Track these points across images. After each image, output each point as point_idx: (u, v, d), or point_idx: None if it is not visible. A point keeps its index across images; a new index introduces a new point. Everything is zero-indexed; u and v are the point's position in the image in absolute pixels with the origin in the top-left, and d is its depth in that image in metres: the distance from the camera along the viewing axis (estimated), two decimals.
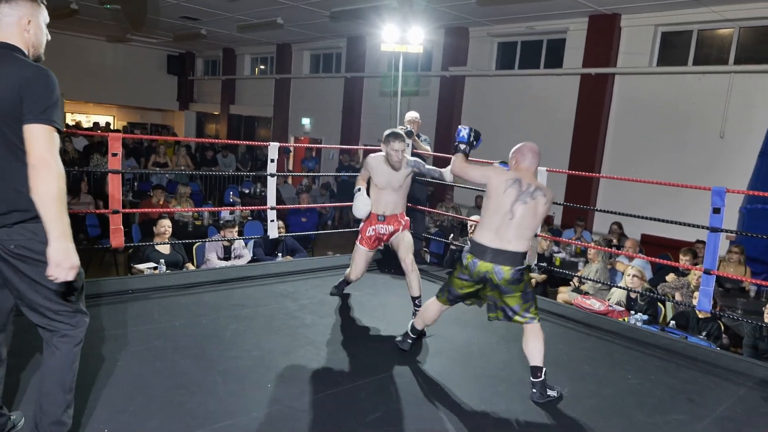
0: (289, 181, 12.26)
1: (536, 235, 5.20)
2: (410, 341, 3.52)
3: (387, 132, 3.94)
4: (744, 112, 7.97)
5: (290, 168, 15.53)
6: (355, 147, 12.57)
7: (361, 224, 4.18)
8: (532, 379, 3.06)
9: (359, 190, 4.04)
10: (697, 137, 8.40)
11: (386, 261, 5.73)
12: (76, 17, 12.77)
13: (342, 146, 7.39)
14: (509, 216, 2.98)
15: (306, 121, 15.53)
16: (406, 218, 4.16)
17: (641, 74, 9.00)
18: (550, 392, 3.07)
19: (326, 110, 14.69)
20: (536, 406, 3.00)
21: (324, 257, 6.07)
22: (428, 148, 6.05)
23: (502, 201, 2.99)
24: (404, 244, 4.08)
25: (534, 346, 3.06)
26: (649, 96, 8.96)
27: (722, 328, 4.95)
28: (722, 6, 8.00)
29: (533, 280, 3.07)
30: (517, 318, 3.05)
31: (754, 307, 5.47)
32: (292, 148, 15.90)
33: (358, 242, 4.18)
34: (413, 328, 3.51)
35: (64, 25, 14.61)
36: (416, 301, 4.06)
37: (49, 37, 2.26)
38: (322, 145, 6.25)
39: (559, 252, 7.62)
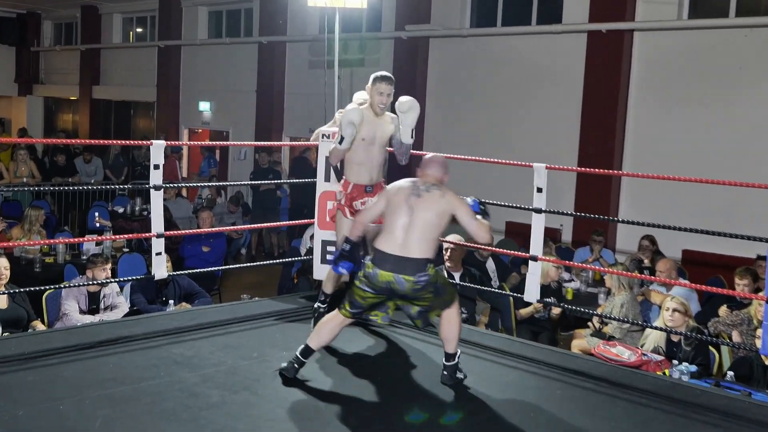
0: (184, 193, 12.08)
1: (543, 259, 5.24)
2: (297, 367, 4.16)
3: (375, 74, 4.72)
4: None
5: (184, 175, 15.33)
6: (277, 143, 12.50)
7: (339, 193, 4.89)
8: (444, 362, 4.13)
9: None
10: (750, 114, 8.71)
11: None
12: None
13: (258, 143, 7.32)
14: (402, 214, 3.88)
15: (205, 107, 15.40)
16: None
17: (668, 30, 9.30)
18: (458, 375, 4.19)
19: (234, 90, 14.60)
20: None
21: (236, 303, 6.01)
22: None
23: (394, 203, 3.95)
24: (375, 229, 4.78)
25: (450, 331, 4.07)
26: (682, 58, 9.27)
27: None
28: None
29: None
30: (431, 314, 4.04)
31: None
32: (185, 147, 15.72)
33: (338, 210, 4.90)
34: (306, 349, 4.17)
35: None
36: (324, 298, 5.02)
37: None
38: (229, 142, 6.19)
39: (570, 281, 7.73)
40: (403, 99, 4.66)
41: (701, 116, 9.14)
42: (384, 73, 4.74)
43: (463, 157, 5.78)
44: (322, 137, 5.73)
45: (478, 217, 4.05)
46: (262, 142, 10.42)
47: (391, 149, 4.97)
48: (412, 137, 4.74)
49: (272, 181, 10.82)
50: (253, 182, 11.07)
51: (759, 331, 4.36)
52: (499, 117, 10.53)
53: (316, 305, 5.11)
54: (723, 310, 5.99)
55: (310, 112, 12.10)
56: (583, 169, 5.47)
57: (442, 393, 4.13)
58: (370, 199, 4.77)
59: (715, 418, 4.02)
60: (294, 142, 13.02)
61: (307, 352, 4.14)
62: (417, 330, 5.18)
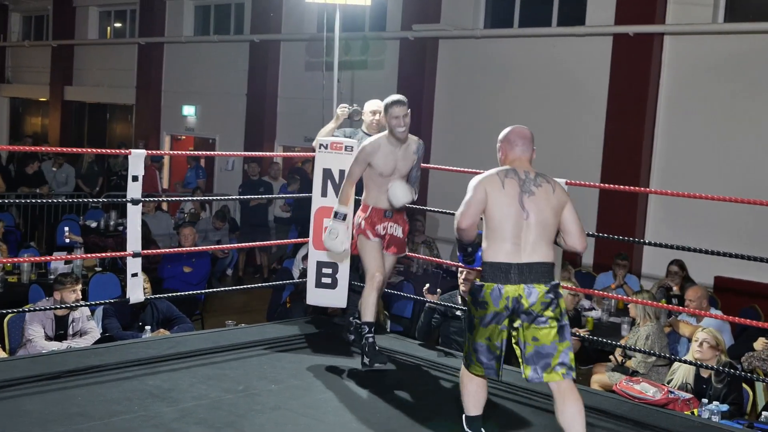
0: (164, 207, 12.10)
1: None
2: None
3: (386, 100, 4.96)
4: None
5: (165, 187, 15.36)
6: (270, 154, 12.52)
7: (358, 217, 5.05)
8: None
9: (337, 215, 5.07)
10: None
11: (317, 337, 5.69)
12: None
13: (248, 153, 7.33)
14: (523, 215, 3.65)
15: (189, 112, 15.45)
16: (406, 218, 5.21)
17: (702, 34, 9.34)
18: None
19: (222, 94, 14.66)
20: None
21: (221, 330, 6.01)
22: None
23: (505, 201, 3.66)
24: (393, 261, 5.25)
25: (575, 415, 3.61)
26: (717, 65, 9.30)
27: None
28: None
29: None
30: (551, 372, 3.60)
31: None
32: (166, 156, 15.76)
33: (359, 235, 5.03)
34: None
35: None
36: (369, 329, 4.92)
37: None
38: (215, 152, 6.22)
39: (591, 309, 7.73)
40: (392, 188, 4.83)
41: (738, 129, 9.16)
42: (392, 98, 4.96)
43: (473, 170, 5.77)
44: (320, 147, 5.75)
45: None
46: (252, 153, 10.42)
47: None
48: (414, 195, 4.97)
49: (263, 196, 10.84)
50: (242, 196, 11.08)
51: None
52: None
53: (365, 337, 4.88)
54: (760, 342, 5.99)
55: (306, 118, 12.12)
56: (606, 185, 5.50)
57: None
58: (391, 224, 5.03)
59: None
60: (288, 153, 13.08)
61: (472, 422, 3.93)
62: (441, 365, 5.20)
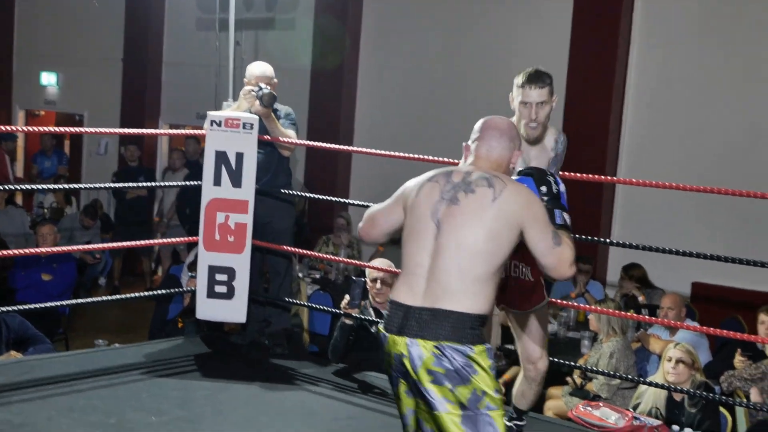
0: (18, 200, 11.92)
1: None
2: None
3: (519, 75, 4.12)
4: None
5: (19, 175, 15.10)
6: (153, 131, 12.43)
7: None
8: None
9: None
10: None
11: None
12: None
13: (125, 130, 7.31)
14: (432, 233, 3.19)
15: (50, 80, 15.21)
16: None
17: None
18: None
19: (91, 59, 14.45)
20: None
21: (89, 352, 6.05)
22: (292, 133, 6.19)
23: (417, 212, 3.27)
24: (540, 320, 4.24)
25: None
26: (703, 19, 9.47)
27: None
28: None
29: (498, 380, 3.18)
30: None
31: None
32: (21, 133, 15.47)
33: None
34: None
35: None
36: (523, 417, 4.46)
37: None
38: (83, 128, 6.20)
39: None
40: None
41: (718, 112, 9.38)
42: (533, 70, 4.12)
43: (402, 155, 5.88)
44: (211, 124, 5.77)
45: (561, 233, 3.24)
46: (131, 131, 10.26)
47: None
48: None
49: (142, 184, 10.76)
50: (117, 183, 10.98)
51: None
52: (456, 103, 10.64)
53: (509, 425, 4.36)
54: (738, 359, 6.22)
55: (197, 90, 12.03)
56: (565, 173, 5.50)
57: None
58: (514, 262, 4.12)
59: None
60: (177, 131, 12.97)
61: None
62: None
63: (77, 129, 11.56)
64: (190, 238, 6.54)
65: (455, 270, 3.07)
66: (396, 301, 3.17)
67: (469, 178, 3.21)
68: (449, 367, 3.01)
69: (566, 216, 3.32)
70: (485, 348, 3.07)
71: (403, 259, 3.25)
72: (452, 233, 3.11)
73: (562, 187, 3.39)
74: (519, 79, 4.09)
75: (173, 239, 8.70)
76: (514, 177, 3.44)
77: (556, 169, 4.23)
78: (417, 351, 3.04)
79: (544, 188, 3.35)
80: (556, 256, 3.11)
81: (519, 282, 4.11)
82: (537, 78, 4.05)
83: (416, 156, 5.61)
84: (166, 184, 11.28)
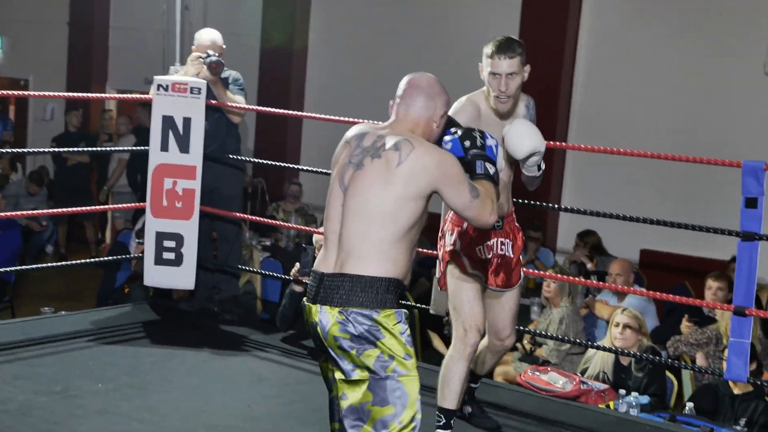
0: None
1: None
2: None
3: (487, 45, 3.89)
4: None
5: None
6: (99, 96, 12.29)
7: (448, 235, 4.08)
8: None
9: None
10: (726, 72, 9.13)
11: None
12: None
13: (72, 94, 7.22)
14: (341, 198, 3.12)
15: None
16: (520, 230, 4.23)
17: None
18: None
19: (37, 22, 14.21)
20: None
21: (34, 319, 5.94)
22: (241, 98, 6.14)
23: (332, 178, 3.21)
24: (514, 300, 4.18)
25: None
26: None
27: None
28: None
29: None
30: None
31: None
32: None
33: (447, 262, 4.07)
34: None
35: None
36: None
37: None
38: (28, 92, 6.10)
39: None
40: (512, 139, 3.77)
41: (671, 77, 9.44)
42: (503, 39, 3.89)
43: (350, 120, 5.85)
44: (158, 88, 5.71)
45: (479, 183, 3.15)
46: (77, 94, 10.18)
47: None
48: (540, 168, 3.99)
49: (82, 149, 10.64)
50: (61, 148, 10.84)
51: (726, 352, 4.64)
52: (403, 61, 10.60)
53: None
54: (684, 325, 6.31)
55: (145, 55, 11.88)
56: None
57: None
58: (500, 240, 4.07)
59: None
60: (125, 95, 12.81)
61: None
62: None
63: (22, 92, 11.42)
64: (138, 204, 6.47)
65: (358, 235, 3.01)
66: (314, 269, 3.13)
67: (379, 142, 3.10)
68: (353, 332, 2.95)
69: (489, 166, 3.19)
70: (394, 312, 2.98)
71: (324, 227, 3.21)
72: (355, 198, 3.04)
73: (491, 142, 3.25)
74: (488, 49, 3.85)
75: (120, 205, 8.62)
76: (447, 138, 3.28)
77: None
78: (325, 318, 3.00)
79: (467, 142, 3.20)
80: (476, 209, 3.06)
81: (505, 259, 4.06)
82: (507, 47, 3.82)
83: (366, 121, 5.57)
84: (109, 149, 11.11)
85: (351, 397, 2.99)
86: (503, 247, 4.06)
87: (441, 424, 3.96)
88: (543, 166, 3.95)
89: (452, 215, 4.05)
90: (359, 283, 2.97)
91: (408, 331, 3.01)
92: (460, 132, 3.23)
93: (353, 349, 2.95)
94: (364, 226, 3.01)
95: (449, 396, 3.95)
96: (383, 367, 2.93)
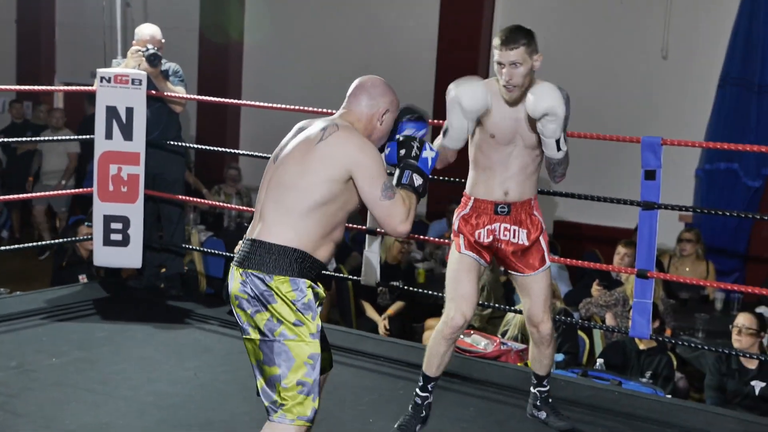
0: None
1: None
2: None
3: (498, 34, 3.72)
4: (695, 17, 8.96)
5: None
6: (47, 88, 12.11)
7: (456, 217, 4.00)
8: None
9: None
10: (627, 57, 9.28)
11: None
12: None
13: (19, 87, 7.11)
14: (270, 173, 3.12)
15: None
16: (540, 217, 3.97)
17: None
18: None
19: None
20: None
21: None
22: (181, 89, 6.14)
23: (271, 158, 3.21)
24: (540, 285, 3.97)
25: None
26: None
27: (674, 363, 5.57)
28: None
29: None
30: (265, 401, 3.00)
31: (722, 325, 6.17)
32: None
33: (454, 242, 3.96)
34: None
35: None
36: (545, 383, 4.15)
37: None
38: None
39: (423, 261, 8.00)
40: (531, 97, 3.64)
41: (573, 57, 9.56)
42: (509, 29, 3.71)
43: (284, 107, 5.84)
44: (101, 80, 5.67)
45: (401, 191, 3.07)
46: (24, 87, 9.97)
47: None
48: (560, 149, 3.73)
49: (28, 139, 10.42)
50: (9, 138, 10.65)
51: (632, 312, 4.76)
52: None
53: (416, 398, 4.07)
54: (595, 288, 6.44)
55: (90, 50, 11.67)
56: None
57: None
58: (505, 225, 3.86)
59: (582, 412, 4.38)
60: (72, 87, 12.60)
61: None
62: None
63: None
64: (85, 189, 6.40)
65: (271, 203, 3.01)
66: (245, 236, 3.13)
67: (312, 125, 3.11)
68: (250, 293, 2.93)
69: (416, 177, 3.10)
70: (288, 279, 2.92)
71: None
72: (278, 170, 3.05)
73: (428, 154, 3.14)
74: (495, 39, 3.69)
75: (69, 191, 8.51)
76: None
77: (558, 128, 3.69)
78: (232, 278, 3.01)
79: (403, 151, 3.15)
80: (385, 210, 2.97)
81: (512, 245, 3.87)
82: (510, 38, 3.64)
83: (301, 108, 5.62)
84: (50, 139, 10.86)
85: (251, 353, 3.00)
86: (509, 233, 3.86)
87: (419, 385, 3.99)
88: (564, 147, 3.72)
89: (464, 197, 3.98)
90: (262, 248, 2.94)
91: (306, 300, 2.94)
92: (401, 139, 3.18)
93: (249, 309, 2.93)
94: (279, 196, 3.00)
95: (429, 364, 3.95)
96: (271, 330, 2.90)
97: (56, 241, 7.31)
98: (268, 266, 2.92)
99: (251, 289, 2.92)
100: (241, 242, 3.10)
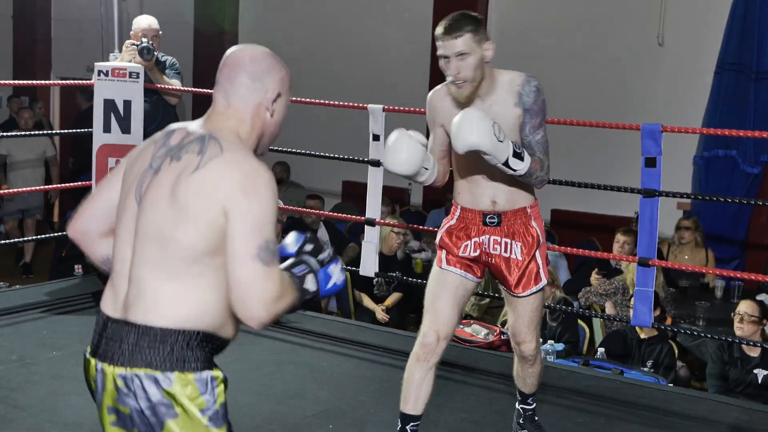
0: None
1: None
2: None
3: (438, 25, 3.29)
4: (691, 3, 8.93)
5: None
6: (44, 82, 12.07)
7: (441, 229, 3.59)
8: None
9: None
10: (624, 44, 9.25)
11: None
12: None
13: (16, 82, 7.06)
14: (133, 213, 2.12)
15: None
16: (538, 227, 3.49)
17: None
18: None
19: None
20: None
21: None
22: (177, 81, 6.12)
23: (125, 187, 2.20)
24: (529, 306, 3.50)
25: None
26: None
27: (676, 352, 5.56)
28: None
29: None
30: None
31: (723, 313, 6.20)
32: None
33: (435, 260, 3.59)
34: None
35: None
36: (529, 400, 3.83)
37: None
38: None
39: (421, 251, 7.99)
40: (455, 121, 3.13)
41: (568, 47, 9.50)
42: (451, 17, 3.26)
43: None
44: (98, 74, 5.65)
45: (285, 274, 2.10)
46: (21, 82, 9.96)
47: None
48: (514, 169, 3.19)
49: (15, 134, 10.37)
50: (7, 133, 10.60)
51: (633, 301, 4.75)
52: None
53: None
54: (594, 277, 6.43)
55: (86, 45, 11.73)
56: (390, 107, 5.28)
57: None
58: (494, 238, 3.41)
59: (583, 402, 4.37)
60: (67, 81, 12.57)
61: None
62: None
63: None
64: (84, 182, 6.38)
65: (147, 264, 2.04)
66: (99, 309, 2.17)
67: (186, 139, 2.13)
68: (135, 405, 2.02)
69: (310, 280, 2.15)
70: (193, 378, 2.01)
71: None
72: (146, 213, 2.07)
73: (334, 269, 2.25)
74: (437, 29, 3.24)
75: (67, 184, 8.47)
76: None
77: (530, 127, 3.33)
78: (101, 379, 2.08)
79: (309, 246, 2.25)
80: (253, 275, 1.94)
81: (503, 260, 3.42)
82: (453, 26, 3.19)
83: (295, 99, 5.56)
84: (49, 132, 10.79)
85: None
86: (500, 247, 3.41)
87: (397, 429, 3.51)
88: (519, 166, 3.17)
89: (453, 206, 3.53)
90: (147, 334, 2.01)
91: (218, 406, 2.04)
92: (310, 237, 2.31)
93: (132, 428, 2.05)
94: (156, 253, 2.03)
95: (404, 399, 3.49)
96: None
97: (52, 235, 7.30)
98: (165, 362, 1.99)
99: (136, 399, 2.01)
100: (98, 320, 2.16)
